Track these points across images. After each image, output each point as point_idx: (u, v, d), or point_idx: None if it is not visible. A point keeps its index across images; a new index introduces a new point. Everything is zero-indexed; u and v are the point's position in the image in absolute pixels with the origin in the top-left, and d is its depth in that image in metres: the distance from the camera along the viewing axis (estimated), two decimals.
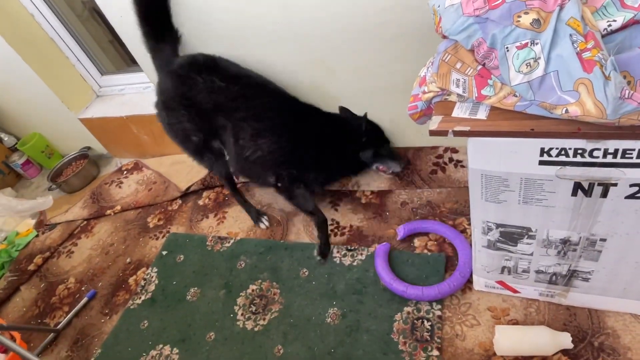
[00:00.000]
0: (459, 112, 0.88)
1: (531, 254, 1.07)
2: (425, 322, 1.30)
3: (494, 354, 1.17)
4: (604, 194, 0.84)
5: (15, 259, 2.20)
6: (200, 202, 2.08)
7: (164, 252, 1.88)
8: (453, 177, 1.65)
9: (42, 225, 2.36)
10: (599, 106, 0.67)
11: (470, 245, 1.37)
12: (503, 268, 1.16)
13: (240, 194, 1.89)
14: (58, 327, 1.72)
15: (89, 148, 2.72)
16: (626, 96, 0.65)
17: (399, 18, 1.36)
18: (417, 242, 1.53)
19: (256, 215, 1.85)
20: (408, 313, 1.34)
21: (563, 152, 0.80)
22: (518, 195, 0.92)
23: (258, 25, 1.56)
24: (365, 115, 1.62)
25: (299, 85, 1.71)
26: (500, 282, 1.23)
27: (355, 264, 1.54)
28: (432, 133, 0.87)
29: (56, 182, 2.57)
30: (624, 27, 0.74)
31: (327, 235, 1.63)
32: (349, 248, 1.59)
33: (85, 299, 1.80)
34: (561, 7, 0.73)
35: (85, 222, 2.27)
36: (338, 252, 1.59)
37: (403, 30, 1.39)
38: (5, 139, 2.81)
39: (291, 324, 1.44)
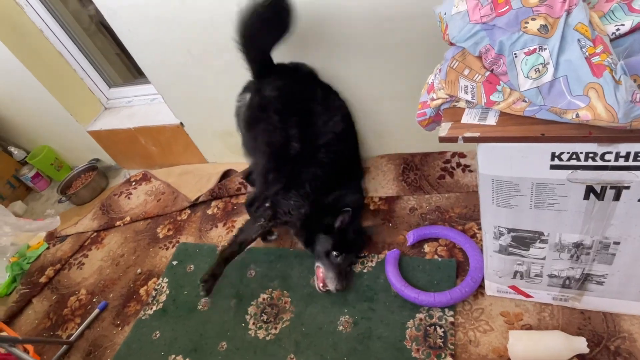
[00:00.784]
0: (468, 118, 0.88)
1: (544, 259, 1.06)
2: (438, 328, 1.29)
3: (509, 359, 1.16)
4: (617, 197, 0.84)
5: (26, 271, 2.22)
6: (209, 212, 2.09)
7: (174, 262, 1.89)
8: (461, 182, 1.65)
9: (53, 237, 2.38)
10: (610, 110, 0.67)
11: (481, 250, 1.37)
12: (515, 273, 1.15)
13: None
14: (70, 339, 1.73)
15: (97, 160, 2.75)
16: (637, 100, 0.65)
17: (405, 26, 1.37)
18: (427, 247, 1.52)
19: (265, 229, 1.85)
20: (420, 320, 1.33)
21: (574, 156, 0.80)
22: (530, 200, 0.92)
23: None
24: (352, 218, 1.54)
25: None
26: (513, 287, 1.23)
27: (365, 270, 1.54)
28: (442, 140, 0.87)
29: (66, 194, 2.59)
30: (632, 31, 0.74)
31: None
32: (360, 255, 1.59)
33: (96, 311, 1.81)
34: (568, 12, 0.74)
35: (95, 233, 2.29)
36: None
37: (408, 38, 1.40)
38: (15, 152, 2.85)
39: (303, 332, 1.44)
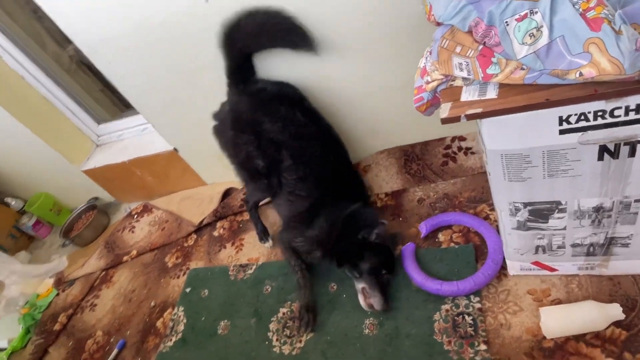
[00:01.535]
0: (467, 95, 0.86)
1: (564, 229, 1.03)
2: (466, 317, 1.25)
3: (544, 337, 1.13)
4: (632, 153, 0.81)
5: (39, 321, 2.17)
6: (216, 233, 2.06)
7: (188, 290, 1.85)
8: (465, 166, 1.62)
9: (61, 282, 2.34)
10: (615, 62, 0.65)
11: (497, 230, 1.34)
12: (537, 247, 1.12)
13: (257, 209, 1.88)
14: None
15: (96, 198, 2.72)
16: None
17: (388, 17, 1.35)
18: (441, 237, 1.49)
19: (262, 231, 1.83)
20: (447, 311, 1.29)
21: (583, 117, 0.77)
22: (542, 170, 0.89)
23: None
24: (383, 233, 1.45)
25: None
26: (536, 263, 1.19)
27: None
28: (445, 121, 0.85)
29: (69, 237, 2.55)
30: None
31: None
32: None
33: (115, 351, 1.77)
34: None
35: (103, 272, 2.25)
36: None
37: (392, 28, 1.38)
38: (12, 203, 2.82)
39: (328, 341, 1.40)
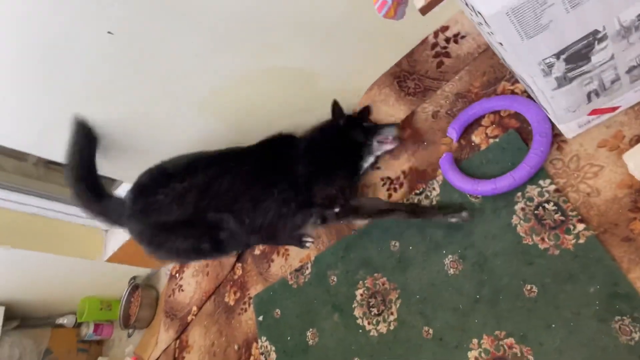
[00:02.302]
0: None
1: (612, 58, 0.85)
2: (547, 205, 1.10)
3: None
4: None
5: None
6: (257, 252, 1.95)
7: (260, 318, 1.76)
8: (462, 54, 1.43)
9: None
10: None
11: (532, 100, 1.16)
12: (588, 95, 0.95)
13: None
14: None
15: (134, 277, 2.64)
16: None
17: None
18: (475, 138, 1.32)
19: (295, 240, 1.71)
20: (522, 210, 1.14)
21: None
22: (562, 3, 0.71)
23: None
24: (344, 114, 1.57)
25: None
26: (593, 112, 1.02)
27: (433, 202, 1.35)
28: (424, 10, 0.68)
29: (130, 325, 2.50)
30: None
31: (393, 208, 1.40)
32: (418, 192, 1.41)
33: None
34: None
35: (177, 341, 2.19)
36: (410, 202, 1.41)
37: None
38: (65, 321, 2.77)
39: (419, 300, 1.28)
